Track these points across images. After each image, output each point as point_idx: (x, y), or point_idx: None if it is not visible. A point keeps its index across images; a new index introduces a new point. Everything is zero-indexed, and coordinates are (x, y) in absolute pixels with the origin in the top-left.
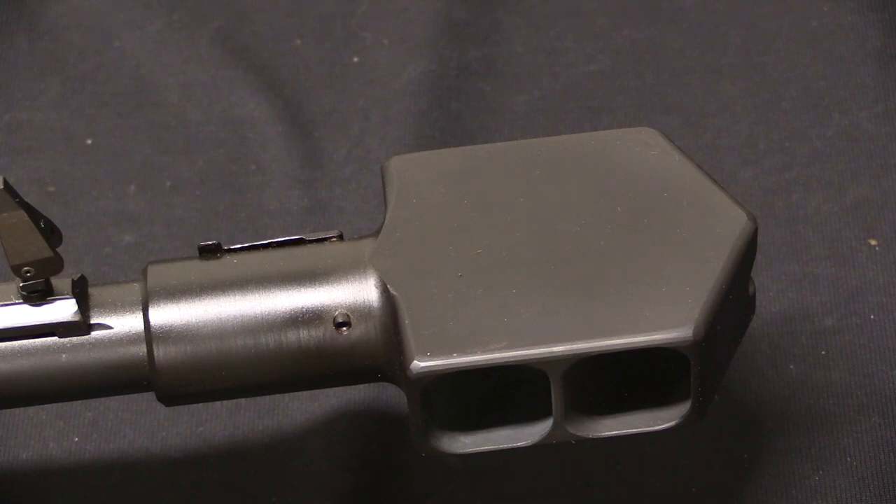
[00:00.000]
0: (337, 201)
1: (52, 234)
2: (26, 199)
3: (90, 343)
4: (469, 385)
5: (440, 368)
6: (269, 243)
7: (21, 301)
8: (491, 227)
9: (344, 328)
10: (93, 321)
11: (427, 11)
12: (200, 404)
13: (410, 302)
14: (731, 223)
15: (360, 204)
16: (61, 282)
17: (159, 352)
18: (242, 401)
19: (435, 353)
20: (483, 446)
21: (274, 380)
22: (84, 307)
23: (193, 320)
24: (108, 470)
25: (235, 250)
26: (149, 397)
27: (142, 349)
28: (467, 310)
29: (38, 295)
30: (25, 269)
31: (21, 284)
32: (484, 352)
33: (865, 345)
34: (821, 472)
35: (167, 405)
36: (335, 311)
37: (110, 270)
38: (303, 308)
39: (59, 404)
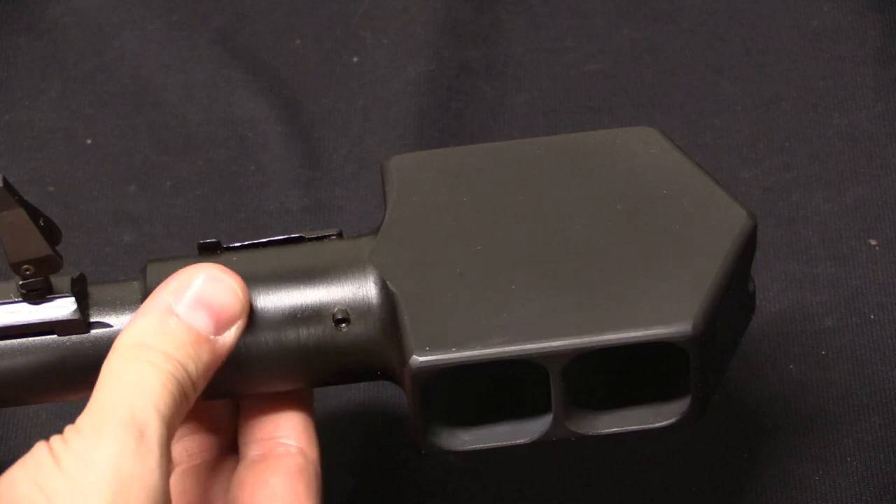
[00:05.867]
0: (337, 201)
1: (51, 233)
2: (26, 199)
3: (89, 341)
4: (468, 382)
5: (439, 363)
6: (268, 241)
7: (20, 299)
8: (490, 225)
9: (343, 325)
10: (92, 319)
11: (427, 11)
12: None
13: (410, 298)
14: (730, 220)
15: (360, 204)
16: (61, 280)
17: None
18: None
19: (434, 348)
20: (482, 443)
21: (273, 378)
22: (83, 305)
23: None
24: None
25: (235, 248)
26: None
27: None
28: (467, 306)
29: (38, 293)
30: (25, 267)
31: (21, 282)
32: (483, 346)
33: (865, 345)
34: (821, 472)
35: None
36: (334, 307)
37: (110, 270)
38: (302, 305)
39: (59, 404)
